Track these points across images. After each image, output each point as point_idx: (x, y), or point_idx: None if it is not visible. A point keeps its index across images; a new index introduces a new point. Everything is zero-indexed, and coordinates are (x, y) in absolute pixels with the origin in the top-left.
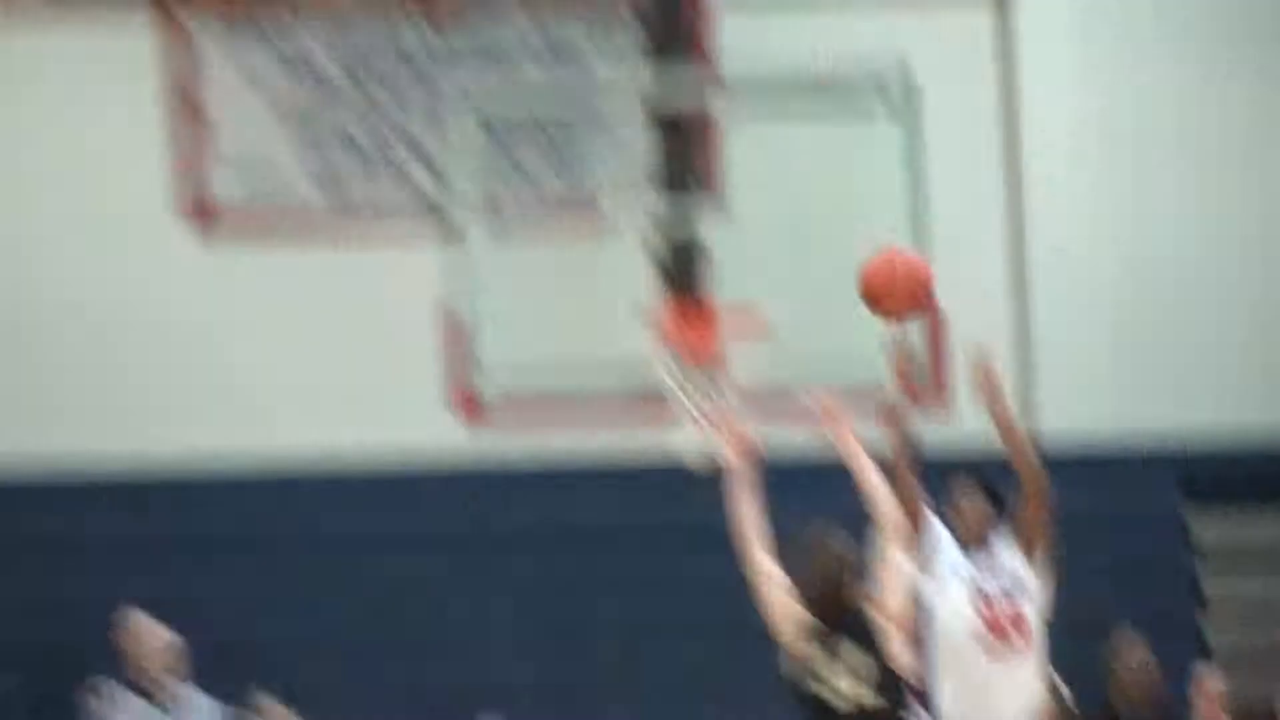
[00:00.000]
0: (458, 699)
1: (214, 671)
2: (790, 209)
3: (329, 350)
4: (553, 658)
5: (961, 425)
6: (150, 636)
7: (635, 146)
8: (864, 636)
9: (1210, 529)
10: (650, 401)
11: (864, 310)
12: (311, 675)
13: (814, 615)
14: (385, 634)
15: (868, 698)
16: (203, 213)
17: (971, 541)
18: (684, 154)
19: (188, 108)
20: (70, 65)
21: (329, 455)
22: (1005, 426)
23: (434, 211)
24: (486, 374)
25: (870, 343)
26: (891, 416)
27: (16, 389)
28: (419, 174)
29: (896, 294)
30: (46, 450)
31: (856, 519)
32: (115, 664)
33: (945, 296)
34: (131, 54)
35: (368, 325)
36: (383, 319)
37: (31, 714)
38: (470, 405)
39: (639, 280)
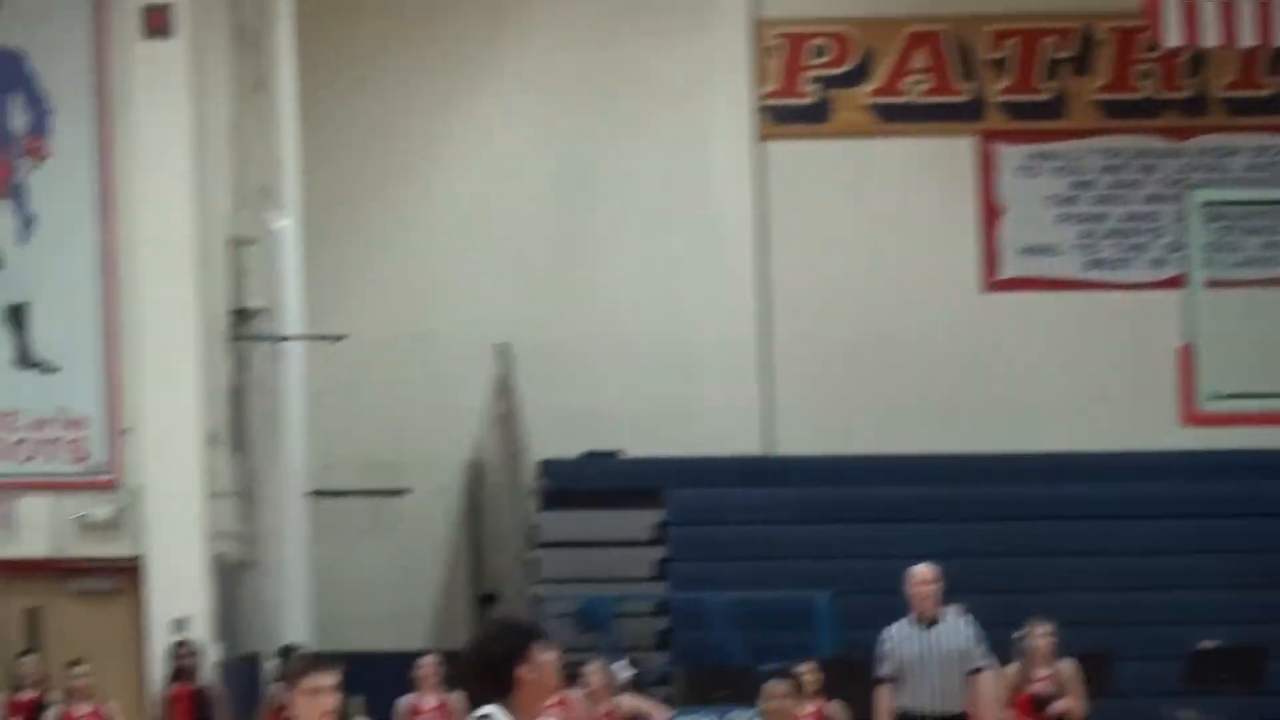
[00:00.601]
0: (1177, 625)
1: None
2: None
3: (1080, 370)
4: (1249, 603)
5: None
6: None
7: None
8: None
9: None
10: None
11: None
12: (1072, 603)
13: None
14: (1128, 578)
15: None
16: (995, 287)
17: None
18: None
19: (991, 210)
20: (901, 169)
21: (1073, 447)
22: None
23: (1168, 271)
24: (1206, 392)
25: None
26: None
27: (866, 397)
28: (1157, 246)
29: None
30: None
31: None
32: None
33: None
34: (953, 168)
35: (1111, 355)
36: (1126, 350)
37: None
38: (1193, 416)
39: None
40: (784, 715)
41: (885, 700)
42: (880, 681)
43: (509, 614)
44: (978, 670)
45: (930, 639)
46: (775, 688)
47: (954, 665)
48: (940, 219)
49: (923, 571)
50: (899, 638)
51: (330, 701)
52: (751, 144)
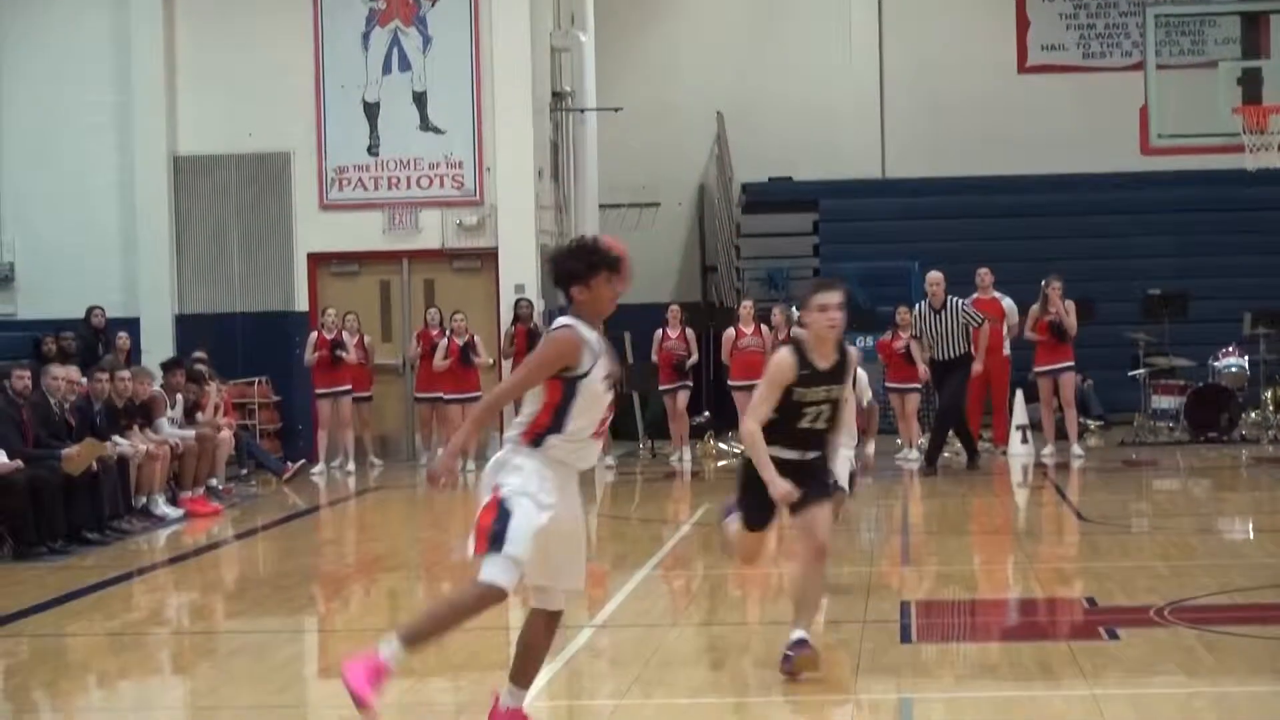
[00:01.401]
0: (1136, 280)
1: None
2: None
3: (1076, 122)
4: (1178, 267)
5: None
6: None
7: None
8: None
9: None
10: None
11: None
12: (1073, 267)
13: None
14: (1106, 252)
15: None
16: (1025, 70)
17: None
18: None
19: (1023, 21)
20: None
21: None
22: None
23: (1134, 59)
24: (1156, 133)
25: None
26: None
27: (943, 138)
28: (1127, 44)
29: None
30: None
31: None
32: None
33: None
34: None
35: (1097, 112)
36: (1107, 109)
37: None
38: (1148, 149)
39: None
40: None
41: (919, 350)
42: (915, 339)
43: (593, 238)
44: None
45: (938, 319)
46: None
47: (956, 333)
48: (992, 27)
49: (933, 275)
50: (920, 315)
51: (838, 315)
52: None
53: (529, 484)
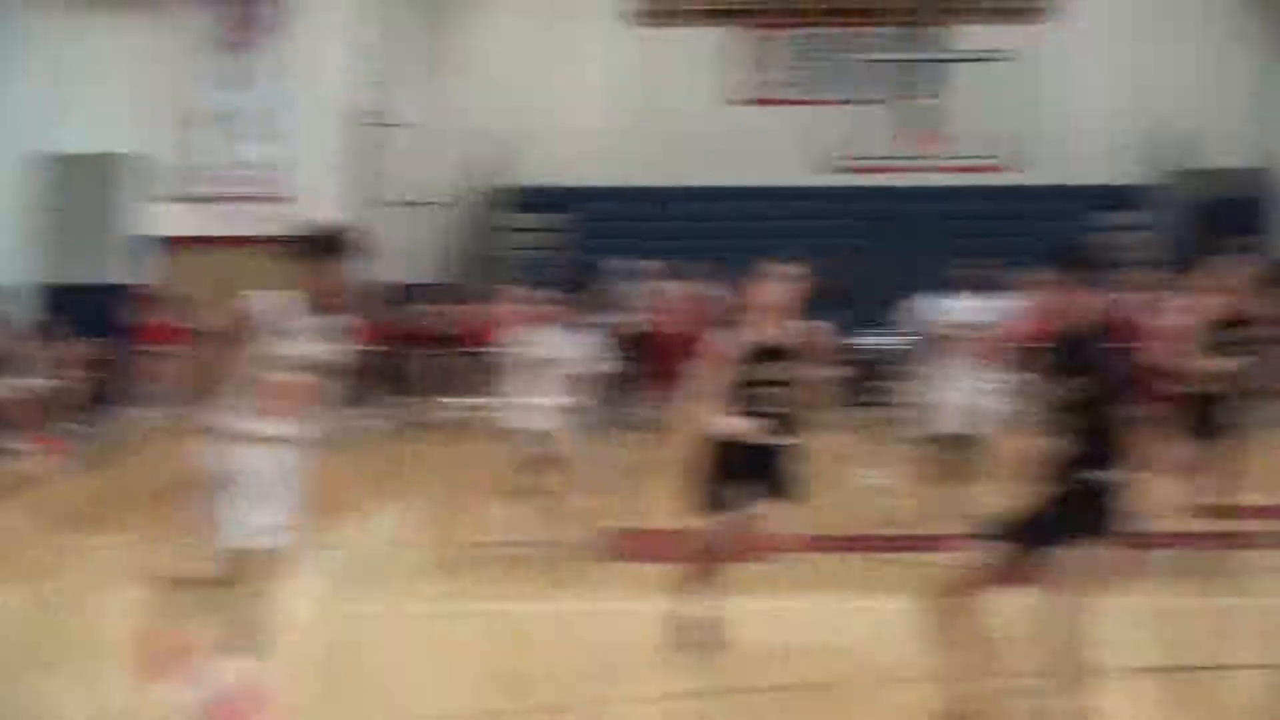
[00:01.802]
0: None
1: None
2: None
3: (782, 145)
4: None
5: None
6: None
7: None
8: None
9: None
10: None
11: None
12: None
13: None
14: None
15: None
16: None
17: None
18: None
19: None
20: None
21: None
22: None
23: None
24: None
25: None
26: None
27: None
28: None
29: None
30: None
31: None
32: None
33: None
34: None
35: (801, 141)
36: (805, 138)
37: None
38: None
39: None
40: None
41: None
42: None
43: (341, 228)
44: None
45: None
46: None
47: None
48: (717, 64)
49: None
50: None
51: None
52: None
53: None
